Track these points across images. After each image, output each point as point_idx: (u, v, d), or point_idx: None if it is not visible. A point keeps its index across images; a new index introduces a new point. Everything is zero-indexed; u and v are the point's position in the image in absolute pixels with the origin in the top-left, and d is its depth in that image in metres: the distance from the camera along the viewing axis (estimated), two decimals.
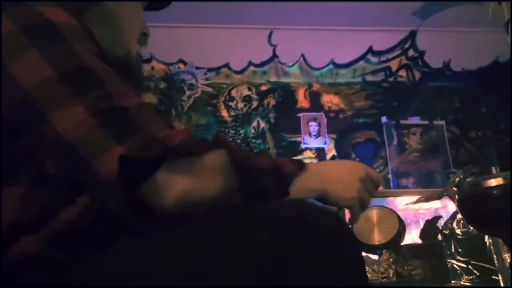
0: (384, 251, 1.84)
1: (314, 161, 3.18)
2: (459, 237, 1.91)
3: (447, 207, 2.49)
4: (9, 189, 0.64)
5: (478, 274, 1.84)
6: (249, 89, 3.31)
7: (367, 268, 1.76)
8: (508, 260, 1.79)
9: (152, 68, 3.14)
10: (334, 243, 0.61)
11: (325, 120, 3.26)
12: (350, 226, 0.86)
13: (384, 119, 3.25)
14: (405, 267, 1.80)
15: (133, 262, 0.64)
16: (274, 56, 3.35)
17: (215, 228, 0.63)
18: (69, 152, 0.61)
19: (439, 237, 1.98)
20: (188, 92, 3.21)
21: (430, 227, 2.08)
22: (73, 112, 0.61)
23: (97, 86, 0.64)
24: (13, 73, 0.63)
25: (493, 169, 1.80)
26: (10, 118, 0.65)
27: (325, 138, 3.22)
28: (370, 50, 3.41)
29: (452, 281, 1.85)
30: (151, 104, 0.70)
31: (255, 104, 3.27)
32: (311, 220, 0.62)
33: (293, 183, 0.76)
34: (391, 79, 3.44)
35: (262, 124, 3.23)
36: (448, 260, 1.88)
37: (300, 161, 0.81)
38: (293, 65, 3.37)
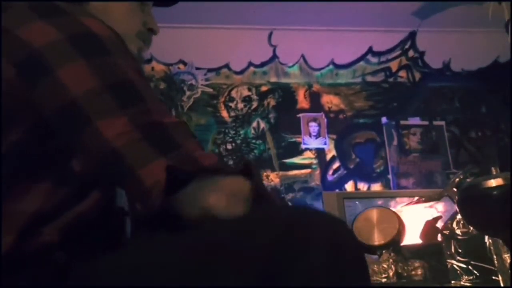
0: (384, 251, 1.84)
1: (314, 161, 3.18)
2: (459, 237, 1.91)
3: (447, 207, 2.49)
4: (37, 185, 0.67)
5: (478, 274, 1.84)
6: (249, 89, 3.31)
7: None
8: (508, 261, 1.78)
9: (152, 68, 3.14)
10: (337, 246, 0.61)
11: (325, 120, 3.26)
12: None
13: (384, 119, 3.26)
14: (405, 267, 1.80)
15: (134, 261, 0.65)
16: (274, 56, 3.35)
17: (218, 229, 0.64)
18: (114, 158, 0.65)
19: (439, 237, 1.98)
20: (188, 93, 3.22)
21: (430, 228, 2.08)
22: (117, 122, 0.65)
23: (139, 100, 0.68)
24: (61, 78, 0.66)
25: (493, 169, 1.80)
26: (51, 119, 0.67)
27: (325, 138, 3.22)
28: (370, 50, 3.41)
29: (452, 282, 1.84)
30: (185, 122, 0.74)
31: (255, 104, 3.28)
32: (313, 222, 0.63)
33: None
34: (391, 79, 3.44)
35: (262, 125, 3.23)
36: (448, 261, 1.88)
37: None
38: (293, 65, 3.37)
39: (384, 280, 1.80)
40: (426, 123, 3.26)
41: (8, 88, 0.67)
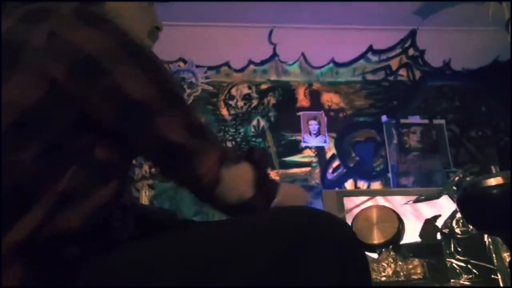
0: (383, 250, 1.84)
1: (314, 159, 3.18)
2: (459, 236, 1.91)
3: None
4: (66, 170, 0.71)
5: (477, 273, 1.84)
6: (249, 87, 3.32)
7: None
8: (508, 260, 1.78)
9: None
10: (343, 247, 0.65)
11: (325, 119, 3.26)
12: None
13: (384, 118, 3.26)
14: (405, 266, 1.80)
15: (148, 259, 0.67)
16: (274, 54, 3.35)
17: (229, 230, 0.68)
18: (176, 150, 0.75)
19: (439, 236, 1.98)
20: (188, 91, 3.22)
21: (429, 226, 2.08)
22: (173, 120, 0.75)
23: (181, 104, 0.79)
24: (119, 82, 0.71)
25: (493, 168, 1.80)
26: (106, 116, 0.73)
27: (325, 137, 3.22)
28: (370, 49, 3.41)
29: (451, 280, 1.85)
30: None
31: (255, 102, 3.28)
32: (323, 224, 0.66)
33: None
34: (391, 78, 3.44)
35: (262, 123, 3.23)
36: (448, 259, 1.88)
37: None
38: (293, 63, 3.37)
39: (383, 278, 1.80)
40: (426, 121, 3.26)
41: (52, 86, 0.70)
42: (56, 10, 0.74)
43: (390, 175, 3.13)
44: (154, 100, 0.74)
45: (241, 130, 3.21)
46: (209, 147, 0.77)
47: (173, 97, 0.77)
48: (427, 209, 2.52)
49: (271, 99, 3.29)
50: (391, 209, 1.93)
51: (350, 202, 2.57)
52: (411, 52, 3.46)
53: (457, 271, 1.86)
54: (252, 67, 3.34)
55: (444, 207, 2.49)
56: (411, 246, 1.93)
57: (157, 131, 0.74)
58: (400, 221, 1.92)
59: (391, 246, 1.84)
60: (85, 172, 0.71)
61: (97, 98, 0.71)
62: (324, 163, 3.19)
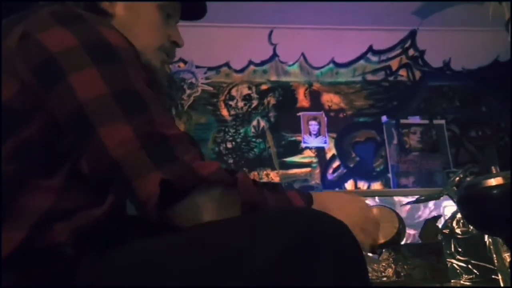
0: (383, 250, 1.84)
1: (314, 160, 3.18)
2: (459, 236, 1.91)
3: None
4: (49, 181, 0.69)
5: (478, 273, 1.84)
6: (249, 88, 3.32)
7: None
8: (508, 260, 1.78)
9: None
10: (343, 248, 0.64)
11: (325, 119, 3.26)
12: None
13: (384, 118, 3.26)
14: (405, 267, 1.80)
15: (147, 262, 0.66)
16: (274, 55, 3.35)
17: (229, 231, 0.66)
18: (113, 167, 0.67)
19: (439, 236, 1.98)
20: (188, 91, 3.22)
21: (430, 227, 2.08)
22: (120, 131, 0.67)
23: (144, 110, 0.70)
24: (72, 84, 0.68)
25: (493, 168, 1.80)
26: (61, 122, 0.69)
27: (325, 137, 3.22)
28: (370, 49, 3.41)
29: (452, 281, 1.84)
30: (187, 134, 0.77)
31: (255, 103, 3.28)
32: (322, 226, 0.65)
33: None
34: (391, 78, 3.44)
35: (262, 123, 3.23)
36: (448, 260, 1.88)
37: (309, 194, 0.84)
38: (293, 64, 3.37)
39: (384, 279, 1.80)
40: (426, 122, 3.26)
41: (22, 87, 0.69)
42: (36, 12, 0.74)
43: (390, 175, 3.13)
44: (100, 103, 0.68)
45: (241, 130, 3.20)
46: (154, 169, 0.66)
47: (127, 98, 0.70)
48: (427, 209, 2.52)
49: (271, 100, 3.29)
50: (391, 209, 1.92)
51: None
52: (411, 52, 3.46)
53: (458, 271, 1.86)
54: (252, 67, 3.34)
55: (444, 207, 2.49)
56: (411, 246, 1.93)
57: (99, 142, 0.67)
58: (401, 222, 1.92)
59: (391, 246, 1.85)
60: (73, 185, 0.70)
61: (54, 102, 0.69)
62: (324, 163, 3.19)
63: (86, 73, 0.69)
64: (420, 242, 2.10)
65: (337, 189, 3.05)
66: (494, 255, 1.82)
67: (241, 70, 3.33)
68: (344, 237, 0.66)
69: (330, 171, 3.18)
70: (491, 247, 1.84)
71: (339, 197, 0.91)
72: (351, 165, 3.21)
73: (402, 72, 3.45)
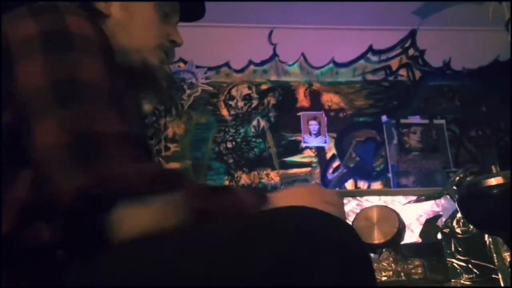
0: (384, 250, 1.84)
1: (314, 160, 3.18)
2: (459, 236, 1.91)
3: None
4: (22, 173, 0.66)
5: (478, 273, 1.84)
6: (249, 88, 3.31)
7: None
8: (508, 259, 1.78)
9: None
10: (345, 249, 0.62)
11: (325, 119, 3.26)
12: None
13: (384, 118, 3.26)
14: (405, 266, 1.80)
15: (141, 265, 0.64)
16: (274, 55, 3.35)
17: (226, 233, 0.64)
18: (38, 165, 0.64)
19: (439, 236, 1.98)
20: (188, 91, 3.22)
21: (430, 226, 2.08)
22: (48, 126, 0.63)
23: (80, 102, 0.65)
24: (18, 73, 0.67)
25: (493, 168, 1.80)
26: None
27: (325, 137, 3.22)
28: (370, 49, 3.41)
29: (452, 280, 1.84)
30: (134, 133, 0.70)
31: (255, 103, 3.28)
32: (323, 227, 0.64)
33: None
34: (391, 78, 3.44)
35: (262, 123, 3.23)
36: (448, 259, 1.88)
37: (261, 193, 0.80)
38: (293, 64, 3.37)
39: (384, 278, 1.80)
40: (426, 121, 3.26)
41: None
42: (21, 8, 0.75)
43: (390, 175, 3.13)
44: (38, 95, 0.65)
45: (241, 130, 3.20)
46: (78, 170, 0.61)
47: (67, 89, 0.65)
48: (428, 209, 2.52)
49: (271, 100, 3.29)
50: (391, 209, 1.92)
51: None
52: (411, 52, 3.46)
53: (458, 270, 1.86)
54: (252, 67, 3.34)
55: (444, 206, 2.49)
56: (411, 245, 1.93)
57: (32, 136, 0.64)
58: (401, 221, 1.92)
59: (391, 246, 1.85)
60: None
61: (8, 91, 0.68)
62: (324, 163, 3.19)
63: (31, 62, 0.67)
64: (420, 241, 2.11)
65: (337, 189, 3.05)
66: (494, 255, 1.82)
67: (241, 70, 3.33)
68: (349, 239, 0.64)
69: (330, 170, 3.18)
70: (491, 246, 1.84)
71: (296, 195, 0.84)
72: (351, 165, 3.21)
73: (402, 72, 3.45)
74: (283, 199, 0.81)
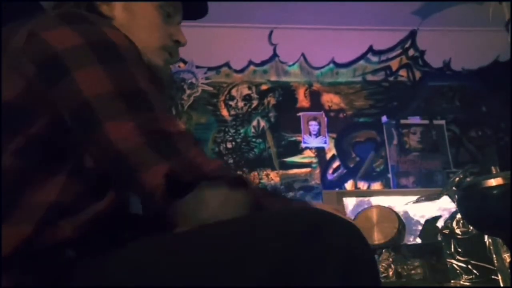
0: (384, 250, 1.84)
1: (314, 160, 3.18)
2: (459, 236, 1.92)
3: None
4: (53, 177, 0.70)
5: (477, 273, 1.84)
6: (249, 88, 3.31)
7: None
8: (508, 260, 1.79)
9: None
10: (350, 250, 0.63)
11: (325, 119, 3.26)
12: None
13: (384, 118, 3.26)
14: (405, 267, 1.80)
15: (144, 260, 0.66)
16: (275, 55, 3.35)
17: (231, 231, 0.66)
18: (119, 160, 0.68)
19: (439, 236, 1.98)
20: (188, 91, 3.22)
21: (429, 227, 2.08)
22: (125, 126, 0.68)
23: (148, 108, 0.72)
24: (77, 80, 0.69)
25: (493, 168, 1.80)
26: (65, 117, 0.71)
27: (325, 137, 3.22)
28: (370, 49, 3.41)
29: (452, 281, 1.85)
30: (190, 132, 0.76)
31: (255, 103, 3.28)
32: (327, 226, 0.64)
33: None
34: (391, 78, 3.44)
35: (262, 123, 3.23)
36: (448, 260, 1.88)
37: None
38: (294, 64, 3.37)
39: (383, 279, 1.80)
40: (426, 122, 3.26)
41: (27, 85, 0.71)
42: (44, 14, 0.77)
43: (390, 175, 3.13)
44: (106, 99, 0.70)
45: (241, 130, 3.20)
46: (159, 162, 0.67)
47: (132, 96, 0.71)
48: (427, 210, 2.52)
49: (271, 100, 3.29)
50: (391, 209, 1.93)
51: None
52: (411, 52, 3.46)
53: (458, 271, 1.86)
54: (252, 67, 3.34)
55: (444, 207, 2.49)
56: (411, 246, 1.94)
57: (104, 136, 0.68)
58: (401, 222, 1.92)
59: (391, 247, 1.85)
60: (75, 182, 0.71)
61: (59, 98, 0.71)
62: (324, 163, 3.19)
63: (91, 71, 0.70)
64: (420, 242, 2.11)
65: (337, 189, 3.05)
66: (494, 255, 1.82)
67: (241, 70, 3.33)
68: (353, 238, 0.64)
69: (330, 171, 3.18)
70: (491, 247, 1.84)
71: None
72: (351, 165, 3.21)
73: (402, 72, 3.45)
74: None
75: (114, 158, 0.68)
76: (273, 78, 3.35)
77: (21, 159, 0.69)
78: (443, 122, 3.29)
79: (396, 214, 1.88)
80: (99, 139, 0.69)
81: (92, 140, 0.70)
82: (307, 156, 3.19)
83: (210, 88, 3.26)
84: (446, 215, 2.25)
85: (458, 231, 1.92)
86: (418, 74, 3.45)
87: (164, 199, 0.66)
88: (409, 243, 2.04)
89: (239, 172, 0.78)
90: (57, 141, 0.71)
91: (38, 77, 0.71)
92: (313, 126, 3.23)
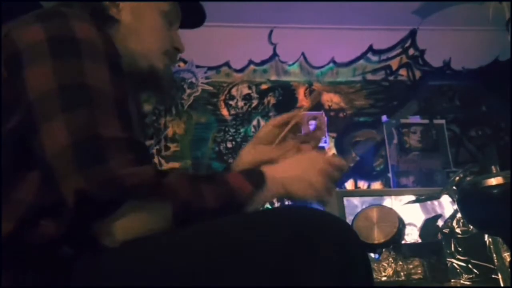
0: (384, 249, 1.84)
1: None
2: (459, 236, 1.91)
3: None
4: (28, 175, 0.69)
5: (477, 273, 1.84)
6: (249, 87, 3.31)
7: None
8: (508, 259, 1.78)
9: None
10: (344, 249, 0.63)
11: (326, 119, 3.26)
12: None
13: (384, 118, 3.25)
14: (405, 266, 1.80)
15: (143, 258, 0.66)
16: (275, 54, 3.35)
17: (228, 229, 0.66)
18: (46, 167, 0.67)
19: (439, 236, 1.98)
20: (188, 91, 3.22)
21: (429, 226, 2.08)
22: (56, 128, 0.66)
23: (86, 106, 0.68)
24: (27, 78, 0.69)
25: (493, 168, 1.80)
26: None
27: (325, 137, 3.22)
28: (370, 48, 3.41)
29: (452, 280, 1.84)
30: (135, 139, 0.73)
31: (255, 102, 3.27)
32: (323, 226, 0.65)
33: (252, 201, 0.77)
34: (391, 78, 3.44)
35: (262, 123, 3.22)
36: (448, 259, 1.88)
37: (259, 172, 0.81)
38: (294, 63, 3.37)
39: (384, 278, 1.80)
40: (426, 121, 3.25)
41: (2, 81, 0.71)
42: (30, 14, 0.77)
43: (390, 175, 3.13)
44: (48, 98, 0.68)
45: (241, 130, 3.20)
46: (74, 172, 0.65)
47: (74, 93, 0.69)
48: (427, 209, 2.52)
49: (271, 99, 3.29)
50: (391, 209, 1.93)
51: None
52: (411, 52, 3.46)
53: (458, 271, 1.86)
54: (252, 67, 3.34)
55: (444, 206, 2.49)
56: (411, 245, 1.94)
57: (39, 140, 0.67)
58: (401, 221, 1.92)
59: (391, 246, 1.85)
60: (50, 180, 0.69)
61: (15, 94, 0.70)
62: None
63: (41, 66, 0.69)
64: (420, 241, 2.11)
65: (337, 188, 3.05)
66: (494, 255, 1.82)
67: (241, 70, 3.32)
68: (348, 239, 0.66)
69: None
70: (491, 246, 1.84)
71: (295, 166, 0.87)
72: (351, 165, 3.21)
73: (402, 71, 3.45)
74: (280, 171, 0.84)
75: (43, 165, 0.67)
76: (273, 78, 3.35)
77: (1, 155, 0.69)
78: (443, 121, 3.29)
79: (396, 213, 1.88)
80: (37, 142, 0.67)
81: (35, 143, 0.68)
82: None
83: (210, 88, 3.26)
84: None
85: (458, 230, 1.92)
86: (418, 74, 3.45)
87: (74, 217, 0.65)
88: (408, 242, 2.04)
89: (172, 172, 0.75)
90: (30, 137, 0.69)
91: (7, 74, 0.71)
92: (313, 125, 3.23)
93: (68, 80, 0.69)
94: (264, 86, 3.32)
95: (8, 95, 0.71)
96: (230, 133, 3.19)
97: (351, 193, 2.90)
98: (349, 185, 3.16)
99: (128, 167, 0.67)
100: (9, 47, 0.72)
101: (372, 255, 1.87)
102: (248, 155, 1.03)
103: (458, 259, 1.88)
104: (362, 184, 3.18)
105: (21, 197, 0.68)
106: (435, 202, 2.45)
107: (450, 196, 1.96)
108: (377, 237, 1.83)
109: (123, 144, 0.69)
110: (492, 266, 1.83)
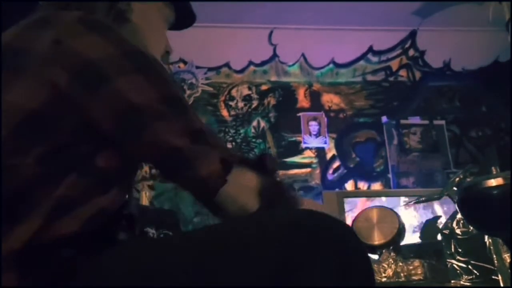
0: (384, 250, 1.84)
1: (314, 160, 3.18)
2: (459, 237, 1.91)
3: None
4: (66, 177, 0.71)
5: (477, 274, 1.84)
6: (249, 88, 3.32)
7: None
8: (508, 260, 1.78)
9: None
10: (345, 251, 0.64)
11: (325, 119, 3.26)
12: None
13: (384, 118, 3.26)
14: (405, 267, 1.80)
15: (143, 258, 0.67)
16: (275, 55, 3.35)
17: (228, 229, 0.68)
18: (175, 155, 0.74)
19: (439, 236, 1.98)
20: (188, 92, 3.22)
21: (430, 227, 2.08)
22: (175, 126, 0.74)
23: (186, 111, 0.78)
24: (120, 88, 0.72)
25: (493, 169, 1.80)
26: (106, 123, 0.73)
27: (325, 137, 3.22)
28: (370, 49, 3.41)
29: (452, 281, 1.85)
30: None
31: (255, 103, 3.28)
32: (324, 228, 0.66)
33: None
34: (391, 78, 3.44)
35: (262, 124, 3.23)
36: (448, 260, 1.88)
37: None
38: (294, 64, 3.37)
39: (384, 279, 1.80)
40: (426, 122, 3.26)
41: (57, 92, 0.70)
42: (61, 18, 0.76)
43: (390, 175, 3.13)
44: (154, 104, 0.73)
45: (241, 131, 3.20)
46: (211, 151, 0.76)
47: (173, 101, 0.76)
48: (427, 210, 2.52)
49: (271, 100, 3.29)
50: (391, 210, 1.93)
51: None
52: (411, 52, 3.46)
53: (458, 271, 1.86)
54: (252, 68, 3.34)
55: (444, 207, 2.49)
56: (411, 246, 1.94)
57: (157, 136, 0.73)
58: (401, 222, 1.92)
59: (391, 247, 1.85)
60: (85, 179, 0.72)
61: (98, 105, 0.71)
62: (324, 163, 3.19)
63: (133, 78, 0.73)
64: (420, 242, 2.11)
65: (337, 189, 3.05)
66: (494, 256, 1.82)
67: (241, 71, 3.33)
68: (350, 242, 0.66)
69: (330, 171, 3.18)
70: (491, 247, 1.84)
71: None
72: (351, 166, 3.21)
73: (402, 72, 3.45)
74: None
75: (169, 154, 0.74)
76: (273, 78, 3.35)
77: (43, 165, 0.69)
78: (443, 122, 3.29)
79: (396, 214, 1.88)
80: (152, 137, 0.73)
81: (146, 140, 0.74)
82: (307, 156, 3.19)
83: (210, 89, 3.26)
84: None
85: (458, 231, 1.92)
86: (418, 74, 3.45)
87: (220, 183, 0.74)
88: (409, 243, 2.04)
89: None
90: (78, 147, 0.72)
91: (71, 85, 0.70)
92: (313, 126, 3.23)
93: (164, 91, 0.76)
94: (264, 87, 3.33)
95: (57, 106, 0.71)
96: (230, 134, 3.19)
97: (351, 194, 2.91)
98: (349, 186, 3.17)
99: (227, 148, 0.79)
100: (73, 57, 0.72)
101: (372, 255, 1.87)
102: None
103: (458, 260, 1.88)
104: (362, 185, 3.18)
105: (51, 194, 0.69)
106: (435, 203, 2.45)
107: (450, 197, 1.96)
108: (377, 238, 1.83)
109: (212, 131, 0.84)
110: (492, 267, 1.83)
